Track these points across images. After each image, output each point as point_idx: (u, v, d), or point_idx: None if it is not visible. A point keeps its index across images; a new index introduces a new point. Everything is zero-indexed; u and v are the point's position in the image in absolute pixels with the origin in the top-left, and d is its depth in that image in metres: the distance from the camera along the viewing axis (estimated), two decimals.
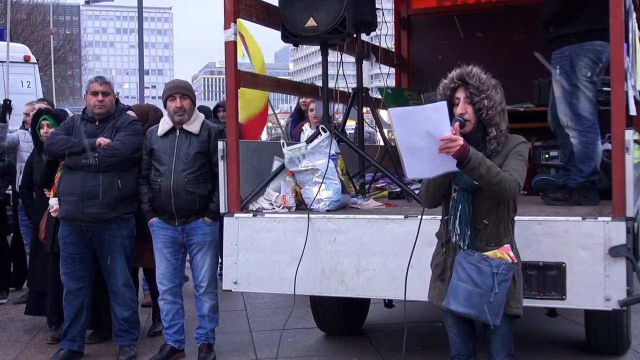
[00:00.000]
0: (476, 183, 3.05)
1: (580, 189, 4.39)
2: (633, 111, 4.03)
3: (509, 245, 3.14)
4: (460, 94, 3.16)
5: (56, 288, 5.32)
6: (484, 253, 3.09)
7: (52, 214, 5.10)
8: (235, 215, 4.46)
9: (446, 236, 3.25)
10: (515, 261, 3.14)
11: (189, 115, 4.82)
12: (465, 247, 3.15)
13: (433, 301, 3.33)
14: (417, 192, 4.69)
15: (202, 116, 5.00)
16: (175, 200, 4.73)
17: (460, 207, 3.16)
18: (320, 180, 4.43)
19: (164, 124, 4.86)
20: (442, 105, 2.89)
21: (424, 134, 2.88)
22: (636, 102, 4.18)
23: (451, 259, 3.21)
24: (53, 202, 5.04)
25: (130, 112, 5.27)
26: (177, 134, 4.82)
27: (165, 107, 4.89)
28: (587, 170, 4.40)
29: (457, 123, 3.02)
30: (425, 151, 2.91)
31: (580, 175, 4.41)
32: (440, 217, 3.39)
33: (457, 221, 3.16)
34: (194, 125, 4.83)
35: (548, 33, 4.58)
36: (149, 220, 4.88)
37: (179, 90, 4.82)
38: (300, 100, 7.52)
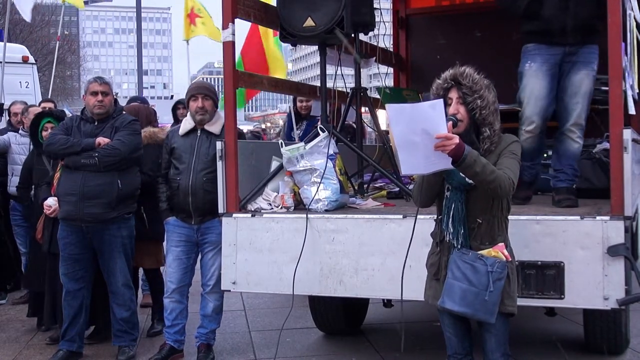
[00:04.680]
0: (469, 181, 3.07)
1: (574, 190, 4.39)
2: (632, 110, 4.04)
3: (503, 243, 3.16)
4: (453, 94, 3.17)
5: (52, 289, 5.32)
6: (479, 252, 3.10)
7: (48, 214, 5.09)
8: (234, 215, 4.46)
9: (440, 235, 3.26)
10: (510, 259, 3.15)
11: (210, 116, 4.89)
12: (459, 246, 3.16)
13: (429, 300, 3.34)
14: None
15: (223, 117, 5.02)
16: (193, 199, 4.77)
17: (453, 206, 3.17)
18: (319, 180, 4.43)
19: (186, 124, 4.95)
20: (439, 103, 2.90)
21: (420, 131, 2.89)
22: (635, 101, 4.18)
23: (446, 258, 3.22)
24: (51, 201, 5.04)
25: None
26: (199, 134, 4.88)
27: (187, 107, 4.99)
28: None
29: (450, 122, 3.03)
30: (421, 148, 2.92)
31: (576, 175, 4.43)
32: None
33: (451, 220, 3.17)
34: (216, 126, 4.89)
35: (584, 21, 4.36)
36: (166, 219, 4.93)
37: (202, 91, 4.91)
38: (298, 100, 7.51)
